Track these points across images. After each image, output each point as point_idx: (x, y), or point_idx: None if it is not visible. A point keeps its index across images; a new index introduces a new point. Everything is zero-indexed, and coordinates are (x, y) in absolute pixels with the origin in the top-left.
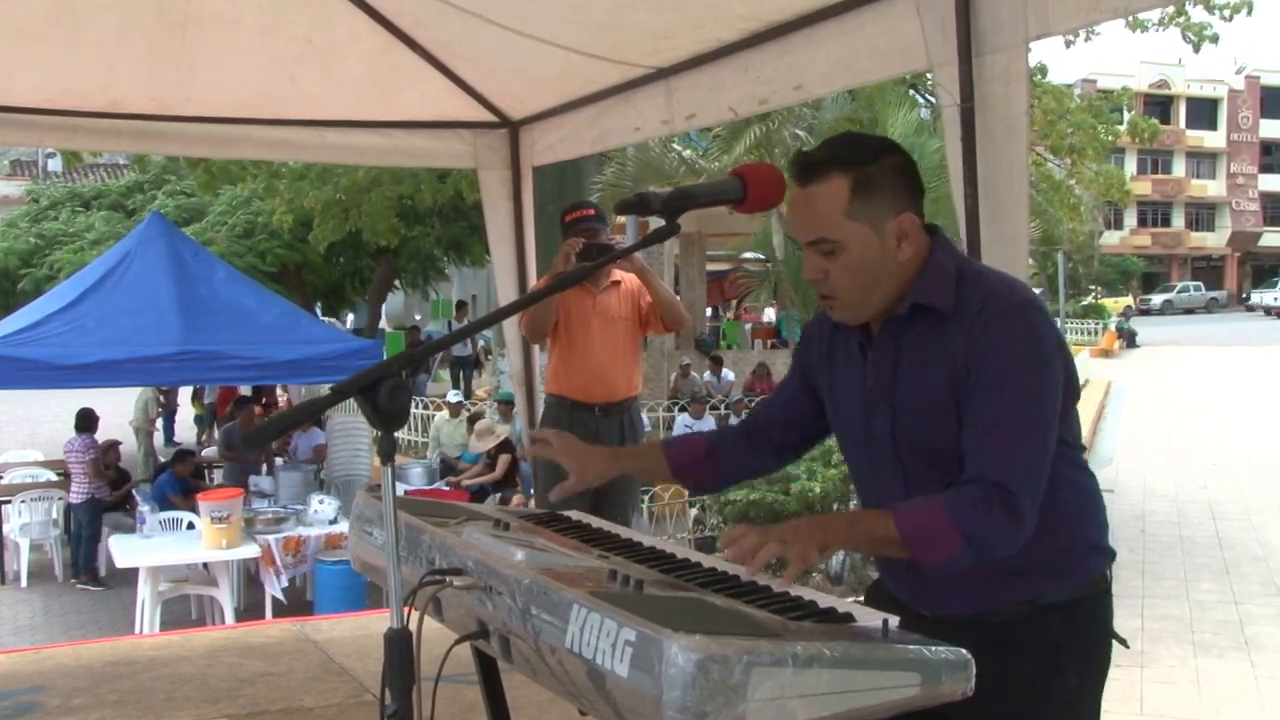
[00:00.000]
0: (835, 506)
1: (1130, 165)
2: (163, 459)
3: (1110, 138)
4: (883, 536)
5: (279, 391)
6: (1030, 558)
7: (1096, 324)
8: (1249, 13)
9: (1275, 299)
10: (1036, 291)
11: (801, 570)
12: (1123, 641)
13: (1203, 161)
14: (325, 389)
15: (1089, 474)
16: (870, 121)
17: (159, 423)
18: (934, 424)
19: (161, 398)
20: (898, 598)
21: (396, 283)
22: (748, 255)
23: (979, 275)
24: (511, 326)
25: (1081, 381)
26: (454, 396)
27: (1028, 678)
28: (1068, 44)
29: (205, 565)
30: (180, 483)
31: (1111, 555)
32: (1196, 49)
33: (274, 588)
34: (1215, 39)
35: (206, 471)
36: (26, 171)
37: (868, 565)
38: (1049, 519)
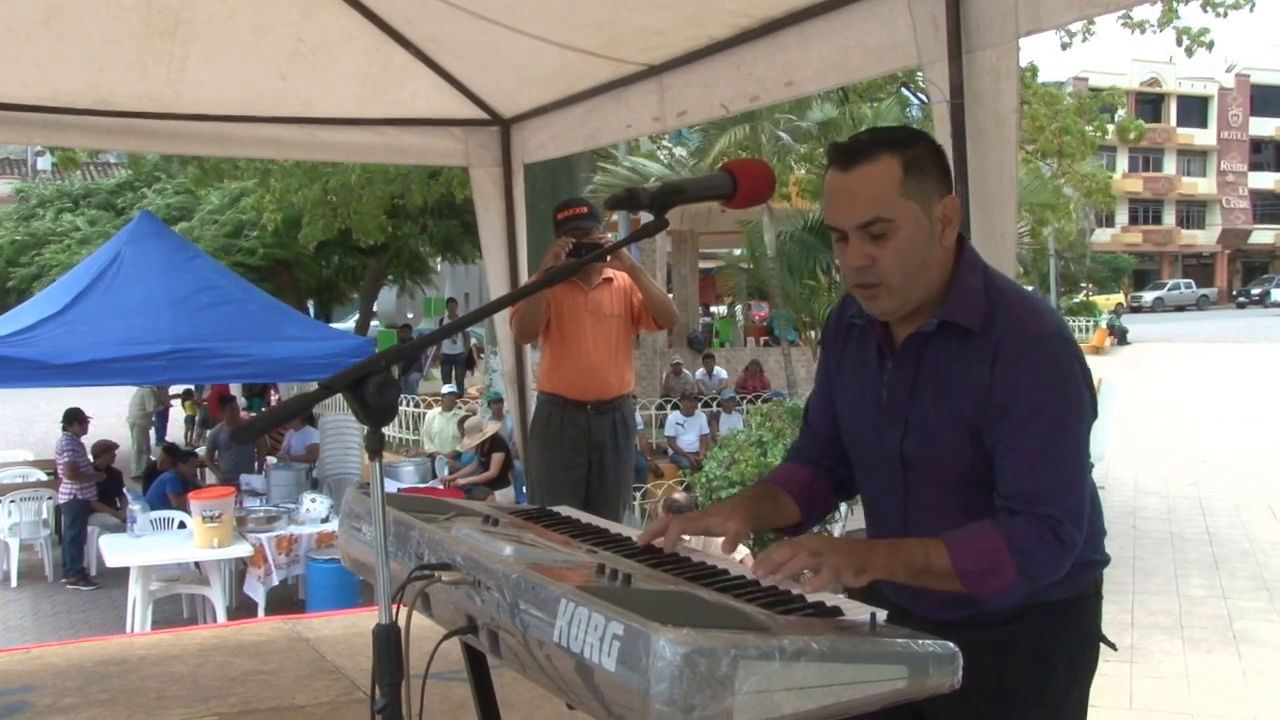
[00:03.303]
0: None
1: (1121, 163)
2: (153, 458)
3: (1099, 135)
4: (926, 567)
5: (273, 396)
6: None
7: (1088, 321)
8: (1251, 9)
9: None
10: (1029, 290)
11: (831, 581)
12: (1110, 644)
13: (1193, 159)
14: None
15: (1092, 489)
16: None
17: (153, 418)
18: (946, 446)
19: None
20: (891, 599)
21: (390, 277)
22: (734, 252)
23: (1004, 296)
24: (503, 324)
25: None
26: (447, 389)
27: (1020, 678)
28: (1064, 46)
29: (197, 564)
30: (184, 481)
31: (1104, 562)
32: (1190, 53)
33: (258, 594)
34: (1210, 45)
35: (200, 471)
36: (16, 170)
37: None
38: None
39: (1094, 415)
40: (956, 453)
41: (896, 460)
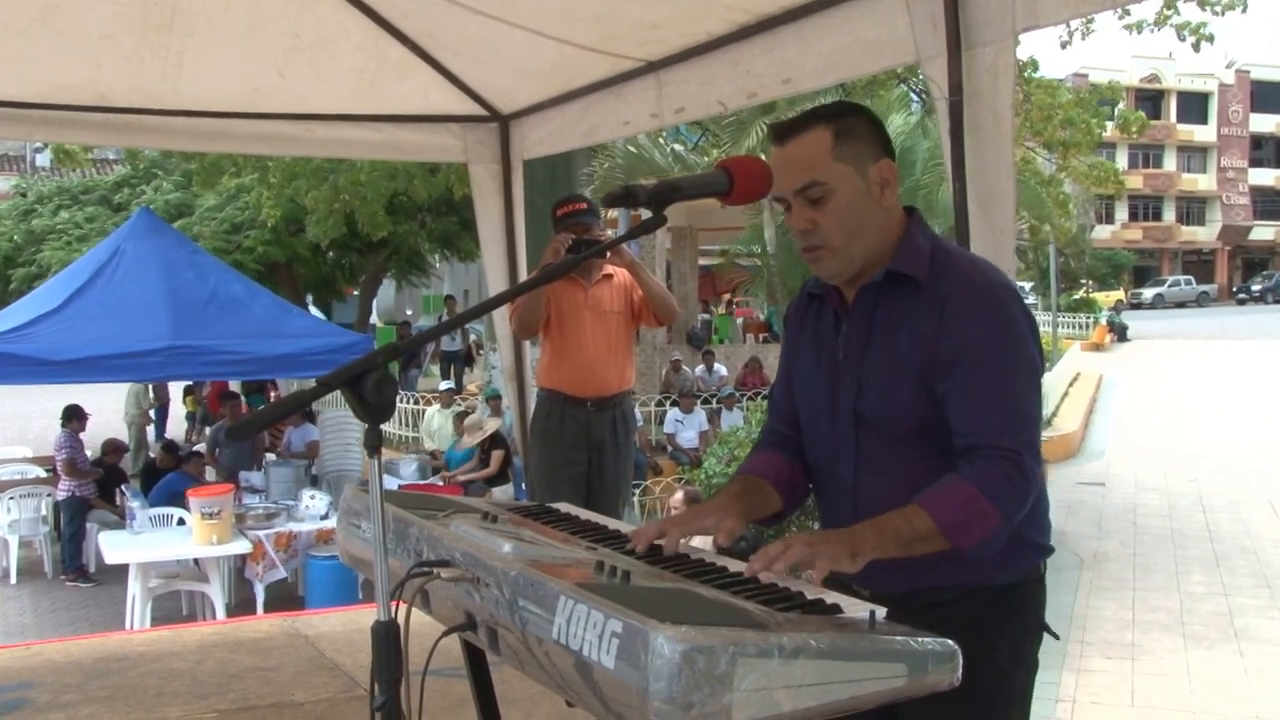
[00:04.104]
0: None
1: (1121, 159)
2: (152, 454)
3: (1100, 130)
4: (913, 535)
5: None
6: None
7: (1088, 318)
8: (1243, 10)
9: None
10: (1028, 285)
11: (830, 571)
12: (1053, 634)
13: (1193, 156)
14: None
15: (1040, 462)
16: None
17: (152, 414)
18: (896, 399)
19: (151, 392)
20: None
21: (389, 274)
22: (733, 248)
23: (950, 254)
24: (502, 321)
25: (1073, 375)
26: (445, 386)
27: (965, 657)
28: (1063, 45)
29: (196, 561)
30: (190, 480)
31: (1049, 550)
32: (1196, 48)
33: (254, 583)
34: (1211, 38)
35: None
36: (15, 167)
37: None
38: None
39: (1042, 371)
40: (909, 407)
41: (850, 422)
